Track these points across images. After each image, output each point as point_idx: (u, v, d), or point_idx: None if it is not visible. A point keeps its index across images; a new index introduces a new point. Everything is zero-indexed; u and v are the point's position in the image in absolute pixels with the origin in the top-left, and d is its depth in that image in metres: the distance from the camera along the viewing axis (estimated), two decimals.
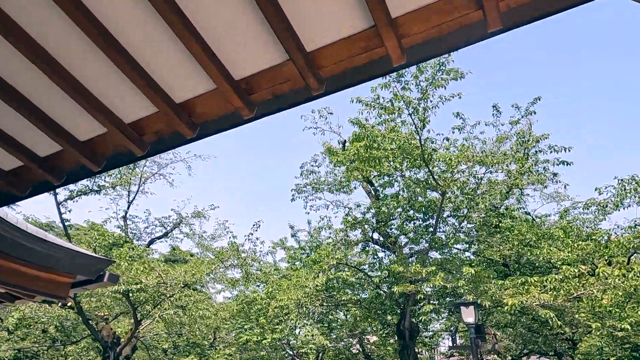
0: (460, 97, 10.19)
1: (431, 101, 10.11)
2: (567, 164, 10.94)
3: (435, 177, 11.27)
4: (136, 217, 19.57)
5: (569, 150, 10.82)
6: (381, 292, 13.61)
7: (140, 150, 3.28)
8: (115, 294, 12.58)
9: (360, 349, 28.18)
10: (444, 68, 9.41)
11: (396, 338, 21.17)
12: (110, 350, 14.84)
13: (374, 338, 28.29)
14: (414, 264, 9.76)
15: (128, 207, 18.76)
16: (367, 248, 15.19)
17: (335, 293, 14.06)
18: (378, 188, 15.58)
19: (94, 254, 7.66)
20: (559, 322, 8.69)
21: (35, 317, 18.45)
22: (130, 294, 12.06)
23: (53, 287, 6.92)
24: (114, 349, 14.81)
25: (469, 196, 12.28)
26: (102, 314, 15.32)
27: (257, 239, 11.76)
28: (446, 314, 18.94)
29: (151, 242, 18.96)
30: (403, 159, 11.53)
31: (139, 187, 19.32)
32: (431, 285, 9.03)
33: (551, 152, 10.97)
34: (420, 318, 11.98)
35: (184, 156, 19.29)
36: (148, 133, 3.26)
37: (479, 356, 10.05)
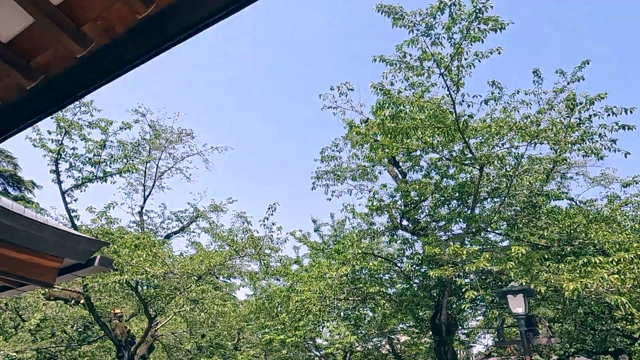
0: (500, 53, 8.81)
1: (465, 59, 8.78)
2: (628, 129, 9.37)
3: (472, 149, 9.90)
4: (152, 211, 18.86)
5: (631, 112, 9.26)
6: (413, 283, 12.29)
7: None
8: (125, 289, 11.74)
9: (390, 349, 26.74)
10: (481, 16, 8.08)
11: (430, 334, 19.74)
12: (124, 349, 14.03)
13: (404, 338, 26.78)
14: (452, 244, 8.43)
15: (144, 202, 18.05)
16: (395, 236, 13.87)
17: (361, 285, 12.80)
18: (405, 171, 14.28)
19: (83, 235, 6.68)
20: (634, 310, 7.22)
21: (57, 318, 17.98)
22: (140, 288, 11.18)
23: (38, 272, 6.01)
24: (129, 348, 13.99)
25: (509, 174, 10.84)
26: (115, 312, 14.55)
27: (272, 224, 10.68)
28: (483, 309, 17.40)
29: (167, 237, 18.16)
30: (434, 131, 10.21)
31: (154, 182, 18.62)
32: (474, 268, 7.68)
33: (608, 114, 9.43)
34: (461, 306, 10.57)
35: (201, 149, 18.51)
36: None
37: (531, 352, 8.62)
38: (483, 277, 10.33)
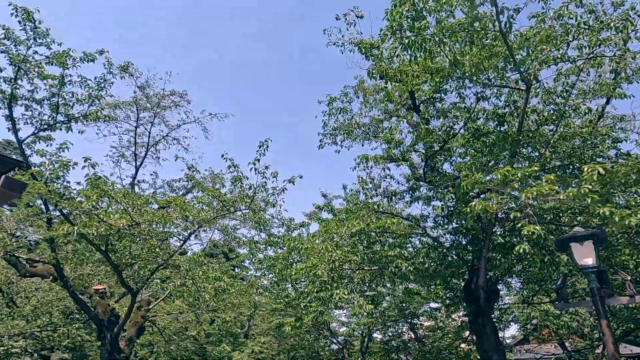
0: None
1: None
2: None
3: (515, 59, 7.63)
4: (144, 181, 16.99)
5: None
6: (440, 243, 10.10)
7: None
8: (89, 251, 9.89)
9: (413, 335, 24.50)
10: None
11: (461, 314, 17.40)
12: (106, 330, 12.21)
13: (428, 323, 24.52)
14: (500, 167, 6.22)
15: (136, 172, 16.23)
16: (417, 192, 11.64)
17: (378, 250, 10.65)
18: (428, 117, 12.03)
19: None
20: None
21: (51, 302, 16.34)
22: (110, 251, 9.29)
23: None
24: (111, 329, 12.17)
25: (565, 93, 8.54)
26: (97, 288, 12.75)
27: (266, 167, 8.58)
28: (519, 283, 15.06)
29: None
30: (467, 42, 7.97)
31: (147, 150, 16.80)
32: (533, 195, 5.46)
33: None
34: (507, 264, 8.36)
35: (198, 116, 16.60)
36: None
37: (607, 316, 6.38)
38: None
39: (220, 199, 9.02)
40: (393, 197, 12.90)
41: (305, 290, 9.22)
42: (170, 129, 16.85)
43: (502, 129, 8.42)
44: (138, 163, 16.31)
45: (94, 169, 7.40)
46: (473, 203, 5.81)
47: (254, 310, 28.10)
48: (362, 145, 13.70)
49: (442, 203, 9.72)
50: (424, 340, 22.14)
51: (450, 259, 9.81)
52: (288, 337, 25.78)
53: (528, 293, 14.92)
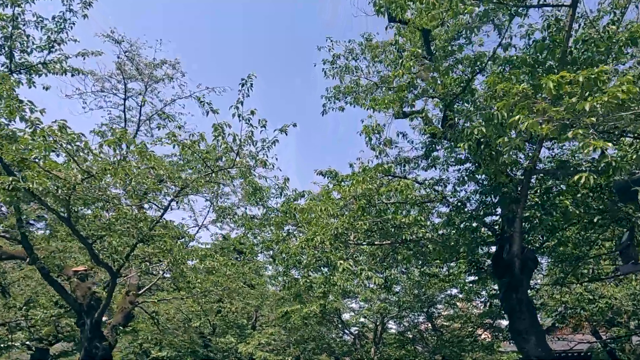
0: None
1: None
2: None
3: None
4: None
5: None
6: (464, 203, 8.51)
7: None
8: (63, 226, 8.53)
9: (430, 325, 22.86)
10: None
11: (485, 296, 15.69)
12: (85, 315, 10.92)
13: (446, 312, 22.83)
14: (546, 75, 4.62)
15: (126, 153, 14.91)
16: (435, 151, 10.04)
17: (390, 218, 9.10)
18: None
19: None
20: None
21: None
22: (74, 219, 7.93)
23: None
24: (92, 314, 10.87)
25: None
26: (77, 270, 11.46)
27: (251, 113, 7.07)
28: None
29: None
30: None
31: (138, 127, 15.47)
32: (600, 102, 3.89)
33: None
34: (551, 221, 6.75)
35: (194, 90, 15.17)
36: None
37: None
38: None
39: (200, 154, 7.56)
40: (407, 165, 11.35)
41: (306, 262, 7.74)
42: (164, 103, 15.50)
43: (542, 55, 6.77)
44: None
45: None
46: (516, 117, 4.22)
47: (262, 301, 26.85)
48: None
49: (465, 154, 8.07)
50: (442, 329, 20.50)
51: (475, 225, 8.20)
52: (297, 328, 24.41)
53: (559, 274, 13.21)
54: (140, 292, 13.34)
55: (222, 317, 24.36)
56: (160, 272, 13.79)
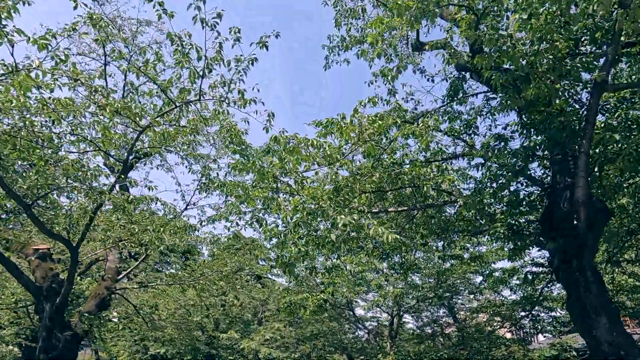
0: None
1: None
2: None
3: None
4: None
5: None
6: (505, 139, 6.49)
7: None
8: None
9: (451, 318, 20.72)
10: None
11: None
12: (45, 300, 9.23)
13: (469, 304, 20.68)
14: None
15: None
16: (461, 93, 8.07)
17: (405, 175, 7.16)
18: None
19: None
20: None
21: None
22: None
23: None
24: (52, 299, 9.17)
25: None
26: (38, 248, 9.78)
27: (218, 17, 5.22)
28: None
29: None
30: None
31: (123, 95, 13.84)
32: None
33: None
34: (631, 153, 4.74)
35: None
36: None
37: None
38: None
39: (157, 83, 5.75)
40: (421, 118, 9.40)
41: (295, 220, 5.86)
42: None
43: None
44: None
45: None
46: None
47: (268, 295, 25.06)
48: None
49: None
50: (465, 321, 18.38)
51: (517, 168, 6.17)
52: (307, 323, 22.60)
53: (611, 252, 11.07)
54: (119, 278, 11.64)
55: (225, 312, 22.67)
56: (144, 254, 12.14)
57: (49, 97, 5.29)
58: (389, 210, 8.67)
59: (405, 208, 8.60)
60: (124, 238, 8.98)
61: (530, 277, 7.81)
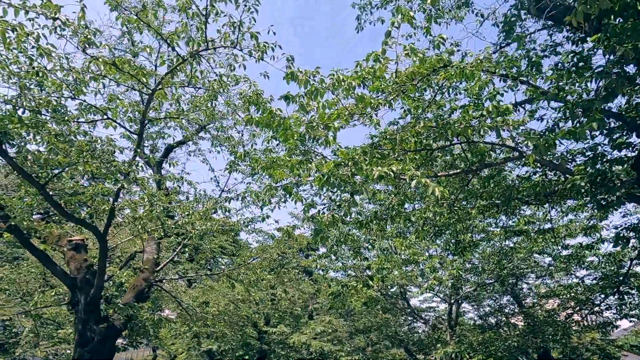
0: None
1: None
2: None
3: None
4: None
5: None
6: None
7: None
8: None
9: (517, 306, 18.90)
10: None
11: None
12: (79, 292, 8.89)
13: (539, 289, 18.76)
14: None
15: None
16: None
17: (458, 117, 6.00)
18: None
19: None
20: None
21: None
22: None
23: None
24: (86, 290, 8.82)
25: None
26: (72, 239, 9.49)
27: None
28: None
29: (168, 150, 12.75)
30: None
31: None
32: None
33: None
34: None
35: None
36: None
37: None
38: None
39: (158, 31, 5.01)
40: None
41: (318, 177, 4.91)
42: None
43: None
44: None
45: None
46: None
47: (318, 288, 24.29)
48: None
49: None
50: (533, 309, 16.60)
51: (607, 91, 4.83)
52: (360, 315, 21.59)
53: None
54: (157, 269, 11.24)
55: (275, 306, 22.13)
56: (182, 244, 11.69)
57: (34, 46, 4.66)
58: (439, 174, 7.51)
59: (458, 171, 7.40)
60: (147, 225, 8.42)
61: (621, 238, 6.35)
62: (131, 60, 5.08)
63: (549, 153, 5.25)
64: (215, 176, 11.18)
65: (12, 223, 7.68)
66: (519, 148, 6.09)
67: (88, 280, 8.96)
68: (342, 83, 4.69)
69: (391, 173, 4.46)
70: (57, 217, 10.12)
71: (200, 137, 12.15)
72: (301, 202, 6.82)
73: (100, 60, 4.71)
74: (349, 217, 6.52)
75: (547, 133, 5.37)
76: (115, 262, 12.97)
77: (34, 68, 4.54)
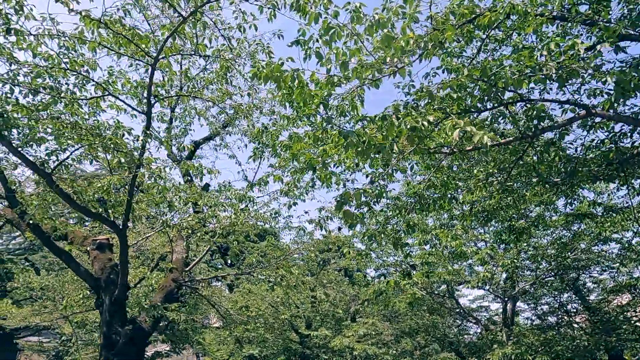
0: None
1: None
2: None
3: None
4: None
5: None
6: None
7: None
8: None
9: (580, 303, 17.05)
10: None
11: None
12: (104, 292, 8.47)
13: (604, 283, 16.86)
14: None
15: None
16: None
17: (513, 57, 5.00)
18: None
19: None
20: None
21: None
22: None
23: None
24: (111, 290, 8.38)
25: None
26: (97, 239, 9.13)
27: None
28: None
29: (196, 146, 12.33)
30: None
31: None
32: None
33: None
34: None
35: None
36: None
37: None
38: None
39: None
40: None
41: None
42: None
43: None
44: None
45: None
46: None
47: (360, 289, 23.27)
48: None
49: None
50: (598, 305, 14.85)
51: None
52: (404, 316, 20.41)
53: None
54: (187, 269, 10.76)
55: (315, 309, 21.34)
56: (211, 242, 11.16)
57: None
58: (493, 144, 6.48)
59: (511, 138, 6.35)
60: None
61: None
62: (122, 19, 4.49)
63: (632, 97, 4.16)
64: (242, 170, 10.62)
65: (31, 221, 7.36)
66: (588, 103, 5.01)
67: (112, 280, 8.54)
68: (366, 17, 3.84)
69: (425, 123, 3.57)
70: (74, 214, 9.83)
71: (228, 131, 11.64)
72: (328, 186, 6.04)
73: (87, 18, 4.15)
74: (384, 197, 5.65)
75: (629, 70, 4.27)
76: (146, 264, 12.65)
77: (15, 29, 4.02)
